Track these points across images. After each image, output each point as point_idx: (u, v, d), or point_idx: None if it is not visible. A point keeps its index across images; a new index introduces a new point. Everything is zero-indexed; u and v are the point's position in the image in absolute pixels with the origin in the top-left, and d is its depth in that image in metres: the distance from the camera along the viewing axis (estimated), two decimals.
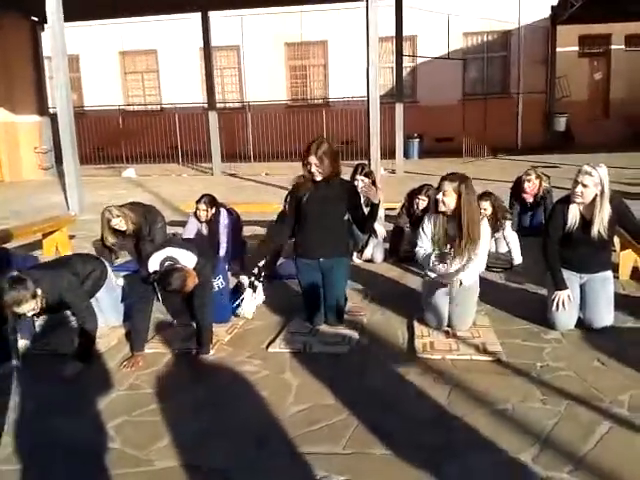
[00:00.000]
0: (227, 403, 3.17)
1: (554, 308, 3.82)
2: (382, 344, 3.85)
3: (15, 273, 3.48)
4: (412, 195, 5.96)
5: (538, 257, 5.53)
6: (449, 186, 3.80)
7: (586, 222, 3.79)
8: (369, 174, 6.00)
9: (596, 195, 3.71)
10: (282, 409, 3.07)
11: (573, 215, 3.79)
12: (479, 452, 2.63)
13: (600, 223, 3.72)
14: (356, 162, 6.84)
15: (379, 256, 5.88)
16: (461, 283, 3.79)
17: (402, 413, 3.00)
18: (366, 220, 4.15)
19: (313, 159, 3.91)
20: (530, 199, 6.53)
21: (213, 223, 5.66)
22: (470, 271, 3.86)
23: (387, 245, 6.03)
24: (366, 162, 6.55)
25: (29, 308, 3.41)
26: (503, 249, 5.71)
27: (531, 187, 6.47)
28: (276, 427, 2.90)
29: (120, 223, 5.55)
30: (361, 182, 5.86)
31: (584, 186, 3.70)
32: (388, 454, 2.63)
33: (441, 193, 3.83)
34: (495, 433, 2.77)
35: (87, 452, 2.75)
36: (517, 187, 6.63)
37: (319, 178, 3.96)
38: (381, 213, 6.02)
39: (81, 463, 2.66)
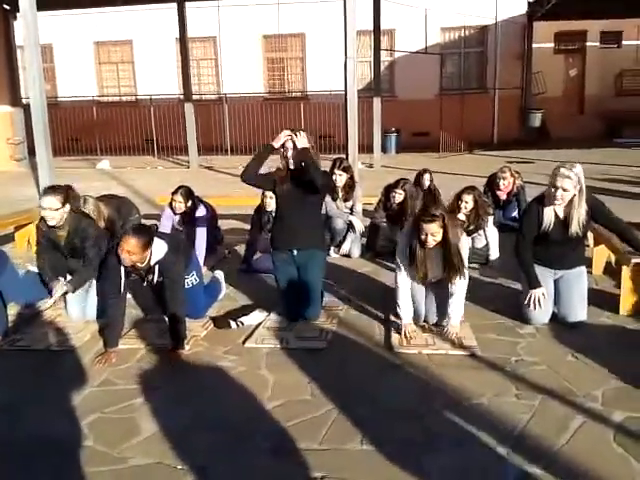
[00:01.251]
0: (203, 399, 3.15)
1: (530, 307, 3.85)
2: (359, 339, 3.86)
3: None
4: (389, 189, 5.97)
5: (512, 252, 5.60)
6: (435, 227, 3.62)
7: (561, 221, 3.80)
8: (347, 168, 5.98)
9: (574, 195, 3.70)
10: (259, 405, 3.05)
11: (549, 216, 3.80)
12: (455, 446, 2.65)
13: (577, 221, 3.73)
14: (334, 156, 6.83)
15: (356, 251, 5.89)
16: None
17: (379, 408, 3.00)
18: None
19: (291, 144, 3.94)
20: (504, 196, 6.60)
21: (189, 216, 5.59)
22: (458, 305, 3.80)
23: (364, 240, 6.03)
24: (344, 156, 6.54)
25: (51, 215, 4.11)
26: (480, 244, 5.74)
27: (506, 185, 6.54)
28: (254, 423, 2.89)
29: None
30: (339, 177, 5.89)
31: (564, 190, 3.67)
32: (364, 449, 2.64)
33: (428, 235, 3.64)
34: (471, 427, 2.79)
35: (60, 449, 2.71)
36: (491, 184, 6.69)
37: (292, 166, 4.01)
38: (359, 208, 6.01)
39: (54, 460, 2.62)
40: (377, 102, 13.38)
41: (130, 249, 3.49)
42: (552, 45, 18.16)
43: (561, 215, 3.80)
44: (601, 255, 5.09)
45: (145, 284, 3.86)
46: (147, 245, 3.58)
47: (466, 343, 3.66)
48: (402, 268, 3.82)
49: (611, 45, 17.85)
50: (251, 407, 3.04)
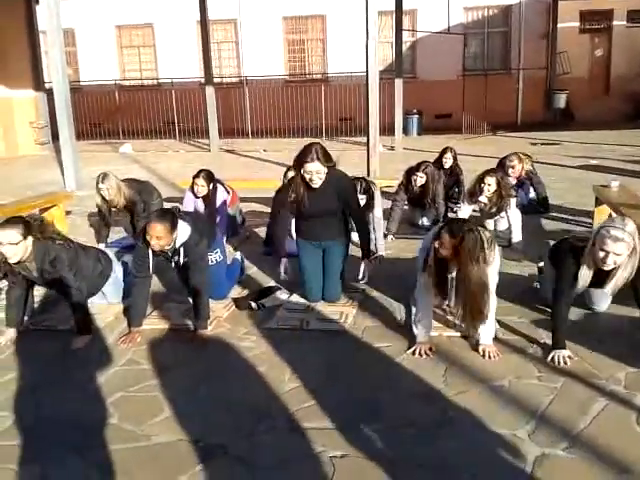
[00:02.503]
0: (225, 379, 3.18)
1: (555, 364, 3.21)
2: (379, 321, 3.86)
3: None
4: (410, 172, 5.93)
5: (534, 235, 5.55)
6: (448, 241, 3.19)
7: (600, 277, 3.31)
8: (367, 190, 5.33)
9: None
10: (279, 385, 3.08)
11: (585, 279, 3.30)
12: (475, 428, 2.65)
13: (616, 283, 3.26)
14: (355, 139, 6.77)
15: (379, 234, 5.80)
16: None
17: (398, 390, 3.01)
18: (359, 229, 4.19)
19: (315, 165, 3.75)
20: (513, 181, 6.52)
21: (210, 199, 5.62)
22: (487, 325, 3.35)
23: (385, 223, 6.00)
24: (364, 177, 5.88)
25: (12, 250, 3.46)
26: (502, 227, 5.70)
27: (515, 173, 6.45)
28: (273, 402, 2.92)
29: (105, 191, 5.39)
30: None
31: (617, 255, 3.11)
32: (384, 429, 2.65)
33: (437, 242, 3.27)
34: (491, 410, 2.78)
35: (85, 427, 2.76)
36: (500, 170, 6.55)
37: (317, 185, 3.84)
38: (378, 213, 5.58)
39: (79, 438, 2.67)
40: (399, 83, 13.26)
41: (157, 234, 3.54)
42: (577, 24, 17.80)
43: (601, 273, 3.29)
44: (602, 214, 5.07)
45: (172, 265, 3.91)
46: (173, 228, 3.62)
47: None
48: (421, 282, 3.47)
49: (638, 24, 17.42)
50: (270, 388, 3.06)
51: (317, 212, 3.99)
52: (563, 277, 3.36)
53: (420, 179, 5.77)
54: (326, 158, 3.79)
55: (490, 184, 5.29)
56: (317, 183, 3.79)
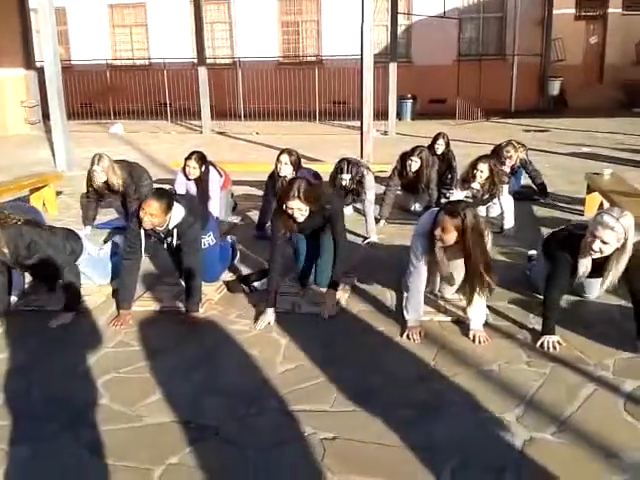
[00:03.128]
0: (217, 361, 3.19)
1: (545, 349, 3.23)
2: (371, 306, 3.87)
3: None
4: (404, 157, 5.91)
5: (525, 221, 5.57)
6: (450, 223, 3.17)
7: (596, 268, 3.27)
8: (356, 175, 5.31)
9: (615, 249, 3.14)
10: (271, 368, 3.09)
11: (584, 268, 3.27)
12: (464, 412, 2.67)
13: (611, 280, 3.21)
14: (349, 122, 6.73)
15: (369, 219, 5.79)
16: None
17: (389, 373, 3.03)
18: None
19: (296, 203, 3.54)
20: (507, 170, 6.52)
21: (202, 181, 5.60)
22: (479, 309, 3.40)
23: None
24: (352, 156, 5.81)
25: None
26: (494, 213, 5.72)
27: (511, 162, 6.45)
28: (265, 385, 2.93)
29: (99, 174, 5.36)
30: (348, 182, 5.34)
31: (604, 243, 3.09)
32: (375, 412, 2.67)
33: (439, 229, 3.21)
34: (480, 393, 2.81)
35: (76, 408, 2.76)
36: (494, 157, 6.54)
37: (301, 220, 3.65)
38: (371, 196, 5.39)
39: (70, 419, 2.67)
40: (393, 67, 13.18)
41: (152, 212, 3.54)
42: (573, 11, 17.73)
43: (596, 264, 3.25)
44: (594, 202, 5.20)
45: (165, 247, 3.90)
46: (168, 208, 3.62)
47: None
48: (413, 268, 3.44)
49: (634, 12, 17.37)
50: (263, 370, 3.07)
51: (306, 232, 3.98)
52: (558, 266, 3.35)
53: (415, 164, 5.76)
54: (308, 197, 3.55)
55: (483, 170, 5.30)
56: (300, 219, 3.62)
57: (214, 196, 5.58)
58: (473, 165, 5.37)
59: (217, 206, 5.58)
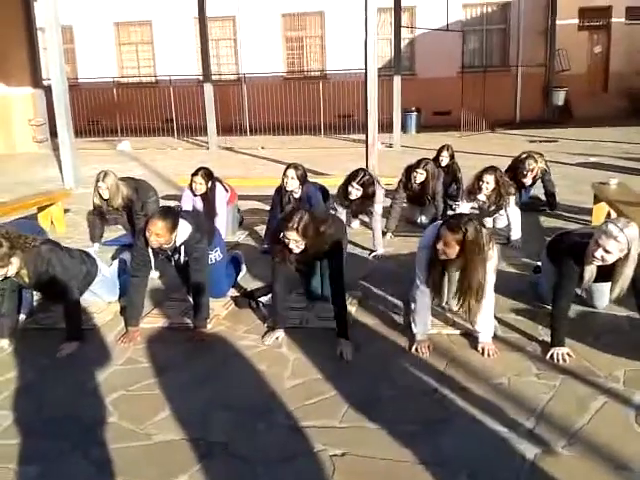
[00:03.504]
0: (225, 377, 3.19)
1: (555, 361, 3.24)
2: (378, 319, 3.86)
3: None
4: (410, 170, 5.92)
5: (532, 232, 5.56)
6: (451, 238, 3.14)
7: (602, 273, 3.27)
8: (366, 185, 5.21)
9: (619, 258, 3.15)
10: (280, 383, 3.08)
11: (590, 274, 3.27)
12: (474, 425, 2.66)
13: (620, 290, 3.21)
14: (354, 136, 6.75)
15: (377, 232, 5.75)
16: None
17: (398, 386, 3.02)
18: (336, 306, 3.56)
19: (293, 235, 3.40)
20: (530, 182, 6.51)
21: (209, 197, 5.62)
22: (486, 323, 3.40)
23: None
24: (365, 169, 5.67)
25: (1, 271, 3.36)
26: (501, 224, 5.71)
27: (533, 173, 6.43)
28: (274, 400, 2.92)
29: (103, 191, 5.36)
30: (355, 191, 5.24)
31: (606, 252, 3.09)
32: (384, 427, 2.66)
33: (441, 243, 3.19)
34: (490, 407, 2.79)
35: (85, 426, 2.76)
36: (514, 170, 6.52)
37: (296, 252, 3.50)
38: (379, 209, 5.35)
39: (79, 437, 2.67)
40: (397, 80, 13.23)
41: (158, 232, 3.54)
42: (576, 21, 17.76)
43: (602, 270, 3.25)
44: (601, 212, 5.26)
45: (172, 264, 3.91)
46: (174, 227, 3.62)
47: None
48: (420, 281, 3.41)
49: (637, 21, 17.39)
50: (271, 385, 3.07)
51: (301, 265, 3.83)
52: (565, 275, 3.34)
53: (420, 176, 5.76)
54: (306, 231, 3.40)
55: (489, 182, 5.29)
56: (295, 250, 3.48)
57: (221, 212, 5.60)
58: (479, 177, 5.37)
59: (224, 222, 5.59)
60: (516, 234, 5.34)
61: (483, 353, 3.31)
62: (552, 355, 3.23)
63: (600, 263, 3.16)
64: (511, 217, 5.35)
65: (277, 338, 3.58)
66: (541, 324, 3.66)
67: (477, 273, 3.19)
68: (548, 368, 3.14)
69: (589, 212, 6.10)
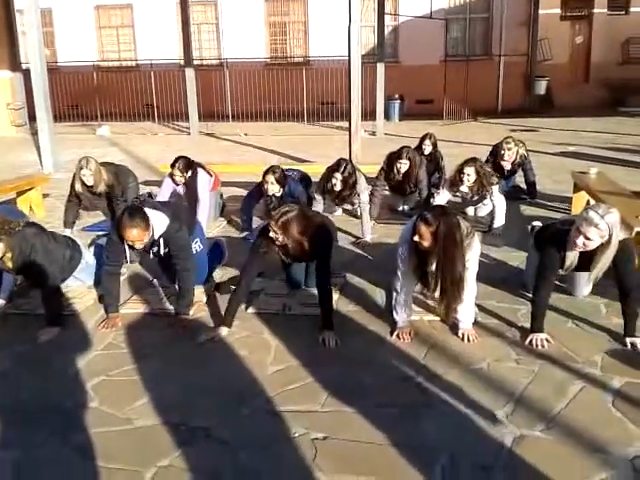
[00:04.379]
0: (207, 363, 3.18)
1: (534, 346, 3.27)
2: (360, 306, 3.88)
3: None
4: (392, 158, 5.92)
5: (513, 221, 5.60)
6: (425, 230, 3.15)
7: (583, 263, 3.33)
8: (349, 175, 5.30)
9: (600, 244, 3.17)
10: (262, 368, 3.09)
11: (571, 260, 3.32)
12: (454, 410, 2.69)
13: (599, 271, 3.26)
14: (337, 123, 6.73)
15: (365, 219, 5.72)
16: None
17: (380, 372, 3.04)
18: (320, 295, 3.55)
19: (274, 227, 3.40)
20: (508, 166, 6.55)
21: (190, 185, 5.57)
22: (466, 310, 3.42)
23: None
24: (347, 159, 5.65)
25: None
26: (483, 213, 5.74)
27: (510, 155, 6.47)
28: (256, 386, 2.93)
29: (87, 177, 5.31)
30: (339, 183, 5.30)
31: (587, 239, 3.12)
32: (365, 411, 2.67)
33: (417, 235, 3.20)
34: (470, 391, 2.83)
35: (66, 411, 2.75)
36: (495, 155, 6.57)
37: (278, 243, 3.48)
38: (365, 198, 5.45)
39: (59, 422, 2.66)
40: (380, 68, 13.21)
41: (134, 238, 3.49)
42: (559, 11, 17.84)
43: (583, 256, 3.30)
44: (581, 201, 5.36)
45: (152, 256, 3.87)
46: (147, 225, 3.53)
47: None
48: (401, 272, 3.43)
49: (618, 12, 17.52)
50: (253, 371, 3.07)
51: (289, 260, 3.77)
52: (546, 263, 3.39)
53: (404, 165, 5.76)
54: (286, 228, 3.38)
55: (469, 174, 5.32)
56: (276, 242, 3.46)
57: (203, 197, 5.54)
58: (459, 170, 5.40)
59: (206, 207, 5.52)
60: (499, 222, 5.37)
61: (463, 339, 3.35)
62: (531, 341, 3.27)
63: (582, 249, 3.20)
64: (497, 205, 5.37)
65: (213, 338, 3.42)
66: (521, 310, 3.70)
67: (454, 266, 3.19)
68: (527, 353, 3.19)
69: (569, 201, 6.16)
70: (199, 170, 5.65)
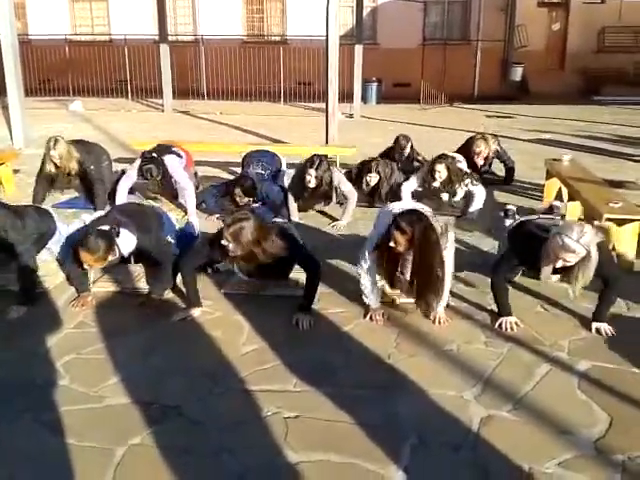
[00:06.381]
0: (179, 342, 3.18)
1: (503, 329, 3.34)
2: (334, 288, 3.89)
3: None
4: (362, 169, 5.82)
5: (486, 206, 5.65)
6: (401, 239, 3.16)
7: (559, 270, 3.31)
8: (323, 170, 5.20)
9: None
10: (234, 349, 3.10)
11: (547, 273, 3.33)
12: (424, 390, 2.73)
13: (580, 287, 3.20)
14: (314, 104, 6.68)
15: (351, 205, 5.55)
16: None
17: (351, 353, 3.07)
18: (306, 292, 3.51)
19: (226, 236, 3.27)
20: (481, 162, 6.58)
21: (164, 181, 5.38)
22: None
23: None
24: (317, 154, 5.42)
25: None
26: (457, 198, 5.78)
27: (482, 156, 6.51)
28: (228, 366, 2.94)
29: (57, 158, 5.22)
30: (313, 180, 5.18)
31: (566, 261, 3.10)
32: (337, 391, 2.71)
33: (392, 241, 3.20)
34: (440, 373, 2.88)
35: (36, 389, 2.73)
36: (467, 152, 6.54)
37: (232, 254, 3.36)
38: (345, 188, 5.39)
39: (30, 400, 2.64)
40: (359, 50, 13.14)
41: (89, 262, 3.42)
42: None
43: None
44: (553, 188, 5.56)
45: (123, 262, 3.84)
46: (106, 253, 3.42)
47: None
48: (367, 260, 3.41)
49: (595, 0, 17.64)
50: (226, 351, 3.08)
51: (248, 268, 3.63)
52: (509, 257, 3.46)
53: (373, 179, 5.69)
54: (237, 238, 3.26)
55: (440, 171, 5.39)
56: (230, 252, 3.34)
57: (184, 183, 5.24)
58: (430, 167, 5.46)
59: (192, 193, 5.22)
60: (476, 206, 5.39)
61: (434, 321, 3.40)
62: (500, 324, 3.34)
63: (561, 266, 3.17)
64: (476, 193, 5.41)
65: (185, 318, 3.42)
66: (490, 294, 3.73)
67: (432, 269, 3.22)
68: (496, 336, 3.24)
69: (542, 187, 6.23)
70: (165, 157, 5.32)
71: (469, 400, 2.65)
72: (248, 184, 5.23)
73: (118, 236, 3.51)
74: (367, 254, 3.42)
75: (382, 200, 5.77)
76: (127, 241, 3.57)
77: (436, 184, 5.47)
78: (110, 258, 3.49)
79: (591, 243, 3.04)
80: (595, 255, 3.07)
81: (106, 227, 3.52)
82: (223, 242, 3.30)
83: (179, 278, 3.88)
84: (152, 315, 3.49)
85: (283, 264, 3.63)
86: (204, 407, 2.60)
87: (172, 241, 4.09)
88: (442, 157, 5.53)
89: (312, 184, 5.20)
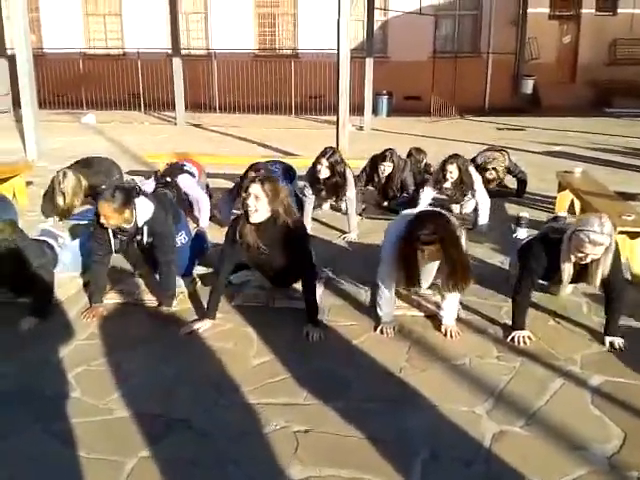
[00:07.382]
0: (189, 354, 3.18)
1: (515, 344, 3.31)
2: (344, 300, 3.88)
3: None
4: (375, 161, 5.89)
5: (497, 218, 5.63)
6: (433, 249, 3.16)
7: (579, 272, 3.28)
8: (335, 163, 5.18)
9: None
10: (244, 361, 3.09)
11: (568, 271, 3.25)
12: (435, 405, 2.71)
13: (599, 276, 3.17)
14: (324, 117, 6.70)
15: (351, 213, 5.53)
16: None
17: (362, 367, 3.05)
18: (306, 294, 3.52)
19: (255, 188, 3.30)
20: (494, 186, 6.54)
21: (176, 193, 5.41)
22: (452, 305, 3.46)
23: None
24: (332, 147, 5.48)
25: None
26: (468, 210, 5.77)
27: (496, 182, 6.43)
28: (239, 378, 2.93)
29: (67, 190, 5.26)
30: (325, 169, 5.18)
31: (595, 255, 3.08)
32: (348, 405, 2.69)
33: (423, 253, 3.19)
34: (451, 387, 2.85)
35: (47, 400, 2.73)
36: (481, 169, 6.50)
37: (253, 219, 3.35)
38: (351, 194, 5.33)
39: (40, 411, 2.64)
40: (369, 63, 13.20)
41: (105, 213, 3.46)
42: (547, 10, 17.92)
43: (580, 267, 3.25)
44: (565, 200, 5.56)
45: (135, 245, 3.84)
46: (123, 207, 3.50)
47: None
48: (385, 269, 3.43)
49: (606, 13, 17.63)
50: (236, 363, 3.07)
51: (264, 250, 3.53)
52: (532, 265, 3.37)
53: (387, 168, 5.75)
54: (266, 186, 3.32)
55: (452, 171, 5.37)
56: (252, 208, 3.32)
57: (197, 195, 5.27)
58: (442, 167, 5.45)
59: (207, 206, 5.25)
60: (483, 219, 5.39)
61: (446, 335, 3.37)
62: (513, 338, 3.30)
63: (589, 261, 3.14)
64: (480, 202, 5.40)
65: (196, 330, 3.40)
66: (503, 308, 3.72)
67: (460, 258, 3.23)
68: (508, 350, 3.21)
69: (554, 200, 6.20)
70: (179, 178, 5.29)
71: (481, 415, 2.63)
72: (259, 173, 5.19)
73: (138, 196, 3.60)
74: (387, 258, 3.40)
75: (394, 192, 5.78)
76: (144, 207, 3.62)
77: (447, 185, 5.45)
78: (127, 215, 3.54)
79: (612, 231, 3.08)
80: (614, 243, 3.09)
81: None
82: (255, 192, 3.29)
83: (184, 288, 3.90)
84: (163, 326, 3.49)
85: (293, 260, 3.54)
86: (213, 420, 2.59)
87: (185, 239, 4.11)
88: (454, 157, 5.50)
89: (323, 174, 5.15)
